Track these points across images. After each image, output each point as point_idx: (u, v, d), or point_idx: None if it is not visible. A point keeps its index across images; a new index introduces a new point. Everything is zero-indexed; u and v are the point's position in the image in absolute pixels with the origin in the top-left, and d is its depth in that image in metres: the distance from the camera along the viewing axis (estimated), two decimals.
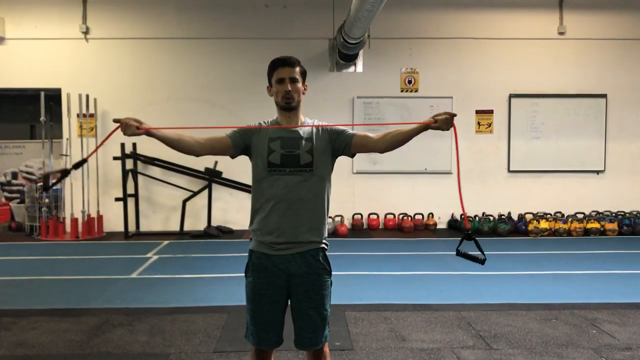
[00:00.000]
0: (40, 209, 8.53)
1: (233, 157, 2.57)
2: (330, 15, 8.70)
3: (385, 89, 9.21)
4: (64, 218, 8.69)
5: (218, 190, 8.98)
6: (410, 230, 8.93)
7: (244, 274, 2.53)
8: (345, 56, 8.66)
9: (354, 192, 9.27)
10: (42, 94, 8.37)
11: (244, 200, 8.95)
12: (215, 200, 8.97)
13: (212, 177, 8.76)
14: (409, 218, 9.07)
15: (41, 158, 8.82)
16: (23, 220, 9.12)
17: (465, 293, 5.30)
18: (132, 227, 8.84)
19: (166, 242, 8.15)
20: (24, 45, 8.91)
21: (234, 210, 9.10)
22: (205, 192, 8.83)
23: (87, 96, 8.75)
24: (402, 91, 9.26)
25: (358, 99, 9.17)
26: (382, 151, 2.52)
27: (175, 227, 8.89)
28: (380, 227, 9.25)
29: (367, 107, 9.20)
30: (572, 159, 9.29)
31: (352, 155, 2.59)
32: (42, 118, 8.35)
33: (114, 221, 8.92)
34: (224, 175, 8.81)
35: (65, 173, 2.42)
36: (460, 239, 2.45)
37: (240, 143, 2.51)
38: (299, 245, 2.42)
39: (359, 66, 9.21)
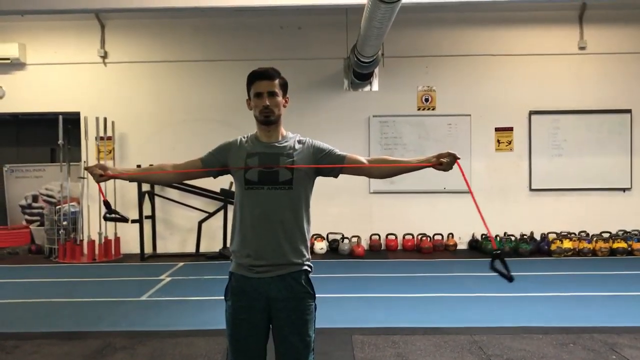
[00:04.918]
0: (58, 231, 8.59)
1: (214, 177, 2.53)
2: (345, 35, 8.67)
3: (401, 107, 9.10)
4: (81, 240, 8.73)
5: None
6: (429, 251, 8.73)
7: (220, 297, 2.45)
8: (360, 75, 8.59)
9: (371, 212, 9.13)
10: (60, 117, 8.49)
11: None
12: (231, 222, 8.89)
13: (227, 198, 8.71)
14: (428, 239, 8.88)
15: (60, 181, 8.89)
16: (43, 243, 9.18)
17: (480, 316, 5.11)
18: (149, 249, 8.84)
19: (181, 263, 8.11)
20: (44, 70, 9.08)
21: None
22: (221, 213, 8.79)
23: (105, 119, 8.83)
24: (419, 109, 9.14)
25: (374, 118, 9.08)
26: (375, 177, 2.60)
27: (192, 249, 8.85)
28: (399, 248, 9.06)
29: (383, 126, 9.10)
30: (597, 177, 8.99)
31: (336, 176, 2.50)
32: (60, 141, 8.46)
33: (132, 243, 8.91)
34: None
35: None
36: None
37: (214, 163, 2.46)
38: (279, 267, 2.32)
39: (375, 85, 9.13)
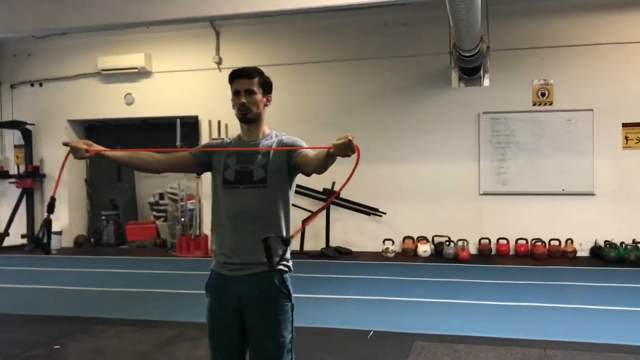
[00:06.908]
0: (177, 226, 9.23)
1: (198, 174, 2.56)
2: (448, 29, 8.32)
3: (514, 103, 8.54)
4: (196, 235, 9.30)
5: (338, 212, 8.97)
6: (543, 257, 8.09)
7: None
8: (467, 70, 8.18)
9: (480, 215, 8.67)
10: (178, 121, 9.13)
11: (365, 222, 8.93)
12: (335, 222, 8.97)
13: (329, 197, 8.77)
14: (543, 244, 8.24)
15: (178, 181, 9.56)
16: (166, 237, 9.92)
17: (563, 328, 4.64)
18: None
19: None
20: (166, 77, 9.83)
21: (354, 231, 9.02)
22: (324, 212, 8.87)
23: (219, 122, 9.33)
24: (534, 105, 8.51)
25: (484, 114, 8.62)
26: (308, 175, 2.35)
27: (297, 247, 9.02)
28: (511, 253, 8.50)
29: (495, 123, 8.61)
30: None
31: (307, 175, 2.38)
32: (178, 144, 9.08)
33: None
34: (342, 196, 8.77)
35: (47, 223, 2.47)
36: None
37: (202, 159, 2.47)
38: (252, 266, 2.28)
39: (486, 80, 8.63)
